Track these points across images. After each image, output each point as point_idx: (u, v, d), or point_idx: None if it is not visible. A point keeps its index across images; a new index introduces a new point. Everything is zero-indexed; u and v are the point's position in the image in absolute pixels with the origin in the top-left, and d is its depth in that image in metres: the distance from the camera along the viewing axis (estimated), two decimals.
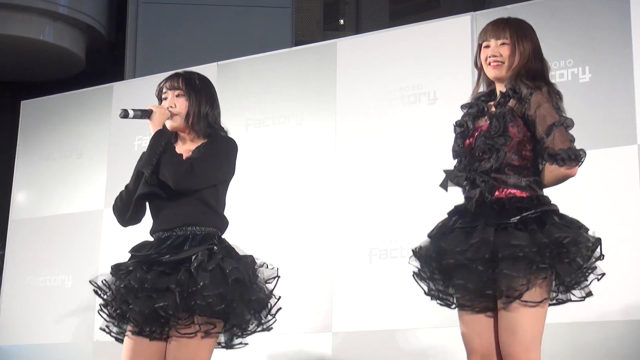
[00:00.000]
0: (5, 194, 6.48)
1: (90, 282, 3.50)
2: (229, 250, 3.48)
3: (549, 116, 3.15)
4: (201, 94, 3.64)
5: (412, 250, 3.41)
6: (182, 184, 3.42)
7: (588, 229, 3.14)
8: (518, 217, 3.08)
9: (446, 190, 3.44)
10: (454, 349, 4.75)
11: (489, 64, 3.28)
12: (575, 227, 3.10)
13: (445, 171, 3.42)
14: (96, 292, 3.48)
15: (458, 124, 3.43)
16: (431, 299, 3.40)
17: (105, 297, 3.44)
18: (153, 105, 3.57)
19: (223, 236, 3.59)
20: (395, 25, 5.67)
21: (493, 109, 3.31)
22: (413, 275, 3.42)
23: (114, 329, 3.48)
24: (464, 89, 5.03)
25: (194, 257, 3.32)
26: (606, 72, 4.59)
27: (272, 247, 5.36)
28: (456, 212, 3.33)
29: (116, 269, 3.44)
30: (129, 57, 8.23)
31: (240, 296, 3.39)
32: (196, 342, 3.32)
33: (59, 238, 6.13)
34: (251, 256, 3.56)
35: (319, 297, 5.18)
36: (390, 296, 4.98)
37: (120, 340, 3.48)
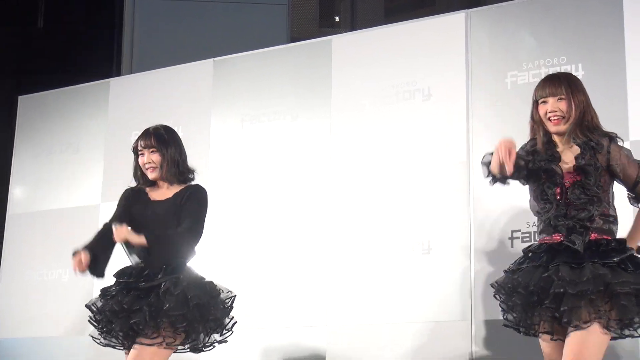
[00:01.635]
0: (3, 189, 6.48)
1: (86, 306, 4.19)
2: (193, 278, 4.10)
3: (632, 165, 3.43)
4: (170, 146, 4.23)
5: (494, 284, 3.57)
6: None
7: None
8: (618, 258, 3.29)
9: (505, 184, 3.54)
10: (446, 343, 4.76)
11: (549, 119, 3.47)
12: None
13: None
14: (90, 318, 4.17)
15: (544, 170, 3.51)
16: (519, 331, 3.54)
17: (97, 317, 4.13)
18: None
19: (189, 264, 4.20)
20: (390, 22, 5.65)
21: (571, 158, 3.46)
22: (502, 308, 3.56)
23: (103, 341, 4.16)
24: (457, 86, 5.05)
25: (163, 284, 3.97)
26: (599, 69, 4.60)
27: (268, 242, 5.37)
28: (541, 249, 3.46)
29: (104, 293, 4.14)
30: (125, 53, 8.23)
31: (200, 316, 4.01)
32: (154, 349, 3.96)
33: (56, 232, 6.12)
34: (211, 282, 4.15)
35: (314, 292, 5.18)
36: (383, 291, 4.98)
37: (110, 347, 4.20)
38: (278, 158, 5.51)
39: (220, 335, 4.15)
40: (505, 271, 3.50)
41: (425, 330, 4.83)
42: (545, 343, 3.44)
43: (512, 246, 4.69)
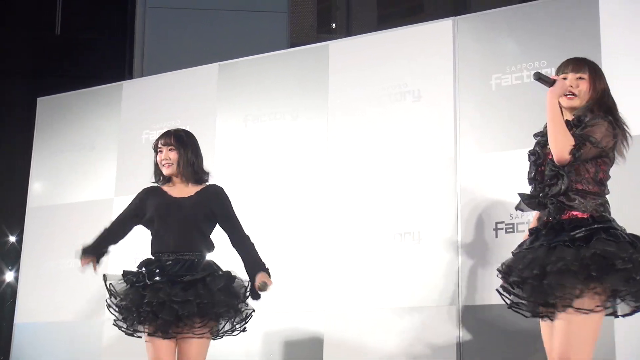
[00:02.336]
0: (23, 184, 6.47)
1: (111, 294, 4.17)
2: (226, 274, 4.16)
3: (595, 130, 3.20)
4: (188, 146, 4.25)
5: (500, 267, 3.43)
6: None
7: None
8: (567, 237, 3.12)
9: (522, 211, 3.50)
10: (435, 325, 4.76)
11: (565, 94, 3.32)
12: (624, 242, 3.10)
13: (520, 194, 3.44)
14: (114, 307, 4.15)
15: (531, 153, 3.43)
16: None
17: (116, 301, 4.13)
18: None
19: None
20: (383, 29, 5.64)
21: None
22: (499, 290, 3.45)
23: (124, 325, 4.13)
24: (445, 88, 5.05)
25: (208, 278, 4.05)
26: None
27: (269, 233, 5.37)
28: (531, 232, 3.36)
29: (131, 283, 4.13)
30: (137, 58, 8.22)
31: (234, 309, 4.13)
32: (204, 341, 4.08)
33: (72, 224, 6.12)
34: (236, 275, 4.22)
35: (312, 279, 5.18)
36: (377, 278, 4.99)
37: (130, 334, 4.18)
38: (279, 155, 5.51)
39: (239, 324, 4.22)
40: (514, 251, 3.39)
41: (415, 314, 4.83)
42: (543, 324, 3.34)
43: (496, 236, 4.69)
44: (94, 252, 4.28)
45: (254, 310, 4.25)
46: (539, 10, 4.90)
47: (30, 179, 6.45)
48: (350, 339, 5.00)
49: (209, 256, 4.26)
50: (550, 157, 3.27)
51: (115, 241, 4.38)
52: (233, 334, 4.24)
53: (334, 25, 12.41)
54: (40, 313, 6.09)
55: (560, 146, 3.14)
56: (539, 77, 3.33)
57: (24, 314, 6.20)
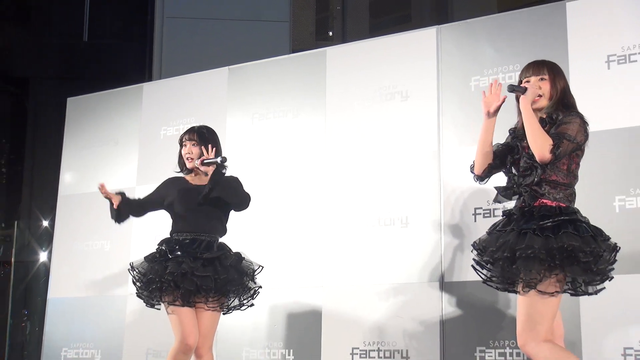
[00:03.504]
0: (55, 175, 6.48)
1: (132, 267, 4.19)
2: (236, 254, 4.21)
3: (570, 127, 3.17)
4: (209, 143, 4.21)
5: (473, 244, 3.40)
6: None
7: (607, 238, 3.15)
8: (536, 225, 3.10)
9: (499, 202, 3.46)
10: (421, 299, 4.77)
11: (537, 96, 3.28)
12: (588, 237, 3.09)
13: (496, 188, 3.42)
14: (134, 277, 4.18)
15: (508, 146, 3.42)
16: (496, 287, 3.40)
17: (136, 277, 4.15)
18: None
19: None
20: (375, 36, 5.63)
21: None
22: (474, 265, 3.41)
23: (144, 293, 4.17)
24: (430, 89, 5.04)
25: (222, 256, 4.10)
26: None
27: (274, 218, 5.38)
28: (504, 215, 3.33)
29: (152, 259, 4.15)
30: (155, 62, 8.21)
31: (243, 287, 4.18)
32: (218, 314, 4.16)
33: (98, 210, 6.09)
34: (244, 257, 4.24)
35: (313, 259, 5.18)
36: (370, 257, 4.99)
37: (150, 306, 4.23)
38: (282, 149, 5.50)
39: (247, 300, 4.26)
40: (488, 232, 3.37)
41: (404, 290, 4.84)
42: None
43: (475, 220, 4.69)
44: (123, 200, 4.30)
45: (260, 287, 4.28)
46: (513, 20, 4.89)
47: (61, 171, 6.45)
48: (346, 311, 5.00)
49: (221, 239, 4.28)
50: (526, 150, 3.26)
51: (137, 214, 4.44)
52: (241, 309, 4.27)
53: (330, 33, 12.37)
54: (71, 289, 6.10)
55: (541, 147, 3.13)
56: (513, 88, 3.31)
57: (56, 289, 6.20)
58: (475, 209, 4.71)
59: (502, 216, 3.35)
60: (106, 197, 4.29)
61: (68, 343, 6.01)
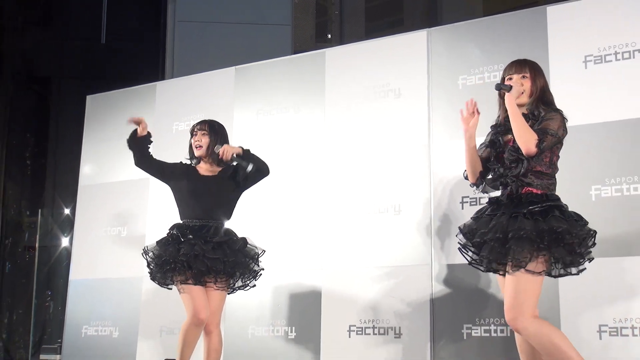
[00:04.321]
0: (76, 166, 6.47)
1: (142, 253, 4.19)
2: (242, 239, 4.20)
3: (552, 123, 3.17)
4: (218, 134, 4.25)
5: (459, 228, 3.41)
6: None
7: (586, 223, 3.16)
8: (526, 209, 3.11)
9: (487, 193, 3.47)
10: (413, 280, 4.77)
11: (522, 93, 3.27)
12: (572, 220, 3.11)
13: (484, 180, 3.43)
14: (148, 260, 4.17)
15: (490, 142, 3.41)
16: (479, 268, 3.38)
17: (150, 259, 4.15)
18: None
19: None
20: (370, 38, 5.62)
21: None
22: (460, 249, 3.41)
23: (158, 275, 4.15)
24: (421, 87, 5.03)
25: (230, 241, 4.10)
26: None
27: (278, 206, 5.38)
28: (491, 202, 3.32)
29: (165, 242, 4.12)
30: (168, 63, 8.19)
31: (247, 269, 4.18)
32: (224, 293, 4.18)
33: (115, 199, 6.12)
34: (248, 241, 4.23)
35: (314, 243, 5.18)
36: (366, 242, 4.99)
37: (163, 285, 4.23)
38: (285, 142, 5.50)
39: (250, 281, 4.26)
40: (472, 217, 3.38)
41: (397, 272, 4.84)
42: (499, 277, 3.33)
43: (462, 208, 4.69)
44: (145, 139, 4.35)
45: (263, 270, 4.29)
46: (497, 23, 4.89)
47: (81, 163, 6.44)
48: (343, 292, 5.00)
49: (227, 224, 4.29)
50: (510, 143, 3.26)
51: (142, 157, 4.38)
52: (245, 289, 4.27)
53: (329, 36, 12.35)
54: (90, 271, 6.10)
55: (527, 142, 3.14)
56: (500, 87, 3.32)
57: (77, 272, 6.20)
58: (463, 197, 4.71)
59: (487, 203, 3.35)
60: (136, 124, 4.30)
61: (88, 321, 6.02)
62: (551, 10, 4.65)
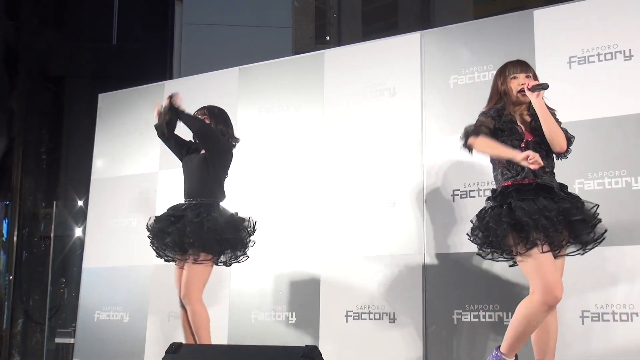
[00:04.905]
0: (88, 161, 6.46)
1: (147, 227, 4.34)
2: (235, 214, 4.22)
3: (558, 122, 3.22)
4: (218, 118, 4.34)
5: (473, 219, 3.37)
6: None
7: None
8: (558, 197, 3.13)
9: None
10: (405, 269, 4.77)
11: (520, 91, 3.26)
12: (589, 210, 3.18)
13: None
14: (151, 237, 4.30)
15: (510, 129, 3.30)
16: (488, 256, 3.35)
17: (152, 237, 4.26)
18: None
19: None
20: (367, 40, 5.61)
21: (522, 121, 3.28)
22: (470, 235, 3.37)
23: (163, 254, 4.22)
24: (414, 86, 5.03)
25: (227, 216, 4.12)
26: None
27: (278, 199, 5.37)
28: (512, 189, 3.23)
29: (160, 219, 4.24)
30: (175, 63, 8.18)
31: (239, 240, 4.13)
32: (203, 268, 4.10)
33: (126, 192, 6.12)
34: (234, 214, 4.21)
35: (313, 234, 5.18)
36: (362, 233, 4.99)
37: (167, 260, 4.26)
38: (286, 138, 5.49)
39: (240, 252, 4.19)
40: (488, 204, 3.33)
41: (391, 261, 4.84)
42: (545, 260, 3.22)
43: (453, 200, 4.69)
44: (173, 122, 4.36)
45: (254, 243, 4.31)
46: (487, 26, 4.88)
47: (93, 157, 6.43)
48: (341, 279, 5.01)
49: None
50: (529, 137, 3.25)
51: (169, 135, 4.41)
52: (238, 261, 4.26)
53: (328, 38, 12.35)
54: (102, 260, 6.10)
55: (561, 141, 3.19)
56: (539, 87, 3.26)
57: (90, 260, 6.20)
58: (454, 190, 4.71)
59: (492, 195, 3.29)
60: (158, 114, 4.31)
61: (100, 306, 6.02)
62: (538, 13, 4.64)
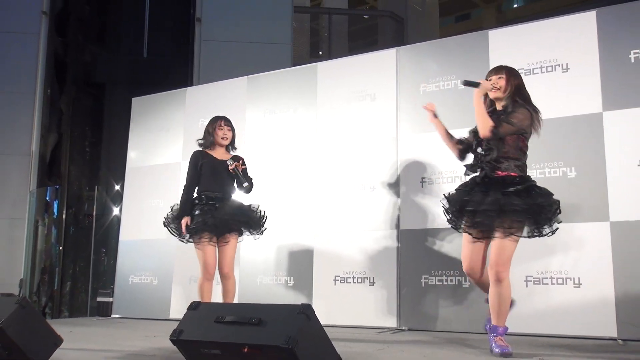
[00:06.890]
0: (124, 152, 6.43)
1: (164, 221, 4.32)
2: (245, 205, 4.19)
3: (516, 116, 3.07)
4: (234, 130, 4.27)
5: (444, 195, 3.25)
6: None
7: (553, 194, 3.07)
8: (513, 189, 3.01)
9: (468, 175, 3.26)
10: (382, 243, 4.76)
11: (491, 89, 3.19)
12: (548, 194, 3.04)
13: (465, 165, 3.29)
14: (167, 226, 4.30)
15: (472, 131, 3.29)
16: (450, 226, 3.26)
17: (171, 225, 4.24)
18: None
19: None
20: (352, 55, 5.58)
21: (498, 109, 3.21)
22: (443, 211, 3.24)
23: (187, 236, 4.17)
24: (390, 92, 5.01)
25: (240, 205, 4.12)
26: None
27: (280, 185, 5.35)
28: (476, 181, 3.16)
29: (190, 209, 4.13)
30: (195, 72, 8.14)
31: (253, 221, 4.14)
32: (235, 245, 4.17)
33: (155, 178, 6.09)
34: (248, 205, 4.17)
35: (308, 213, 5.17)
36: (347, 212, 4.98)
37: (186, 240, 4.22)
38: (286, 135, 5.46)
39: (257, 232, 4.20)
40: (455, 189, 3.24)
41: (371, 236, 4.84)
42: (466, 241, 3.20)
43: (422, 186, 4.69)
44: (186, 213, 4.14)
45: (264, 229, 4.26)
46: (450, 43, 4.85)
47: (128, 150, 6.40)
48: (331, 250, 5.00)
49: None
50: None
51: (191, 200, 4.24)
52: (255, 237, 4.24)
53: (320, 52, 12.31)
54: (136, 234, 6.08)
55: (483, 127, 3.09)
56: (467, 83, 3.21)
57: (125, 234, 6.18)
58: (422, 178, 4.70)
59: (471, 182, 3.20)
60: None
61: (134, 272, 6.01)
62: (492, 34, 4.63)
